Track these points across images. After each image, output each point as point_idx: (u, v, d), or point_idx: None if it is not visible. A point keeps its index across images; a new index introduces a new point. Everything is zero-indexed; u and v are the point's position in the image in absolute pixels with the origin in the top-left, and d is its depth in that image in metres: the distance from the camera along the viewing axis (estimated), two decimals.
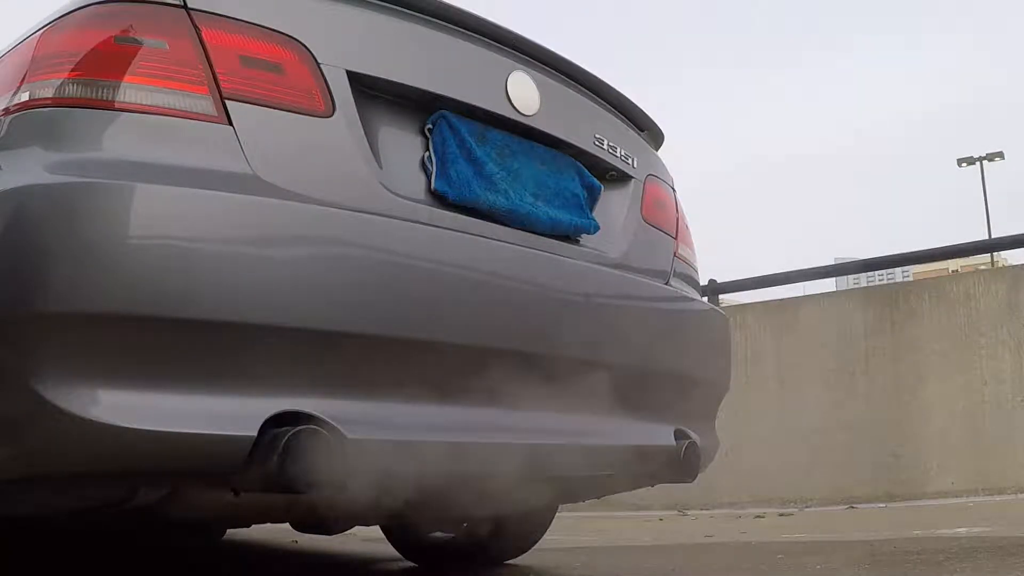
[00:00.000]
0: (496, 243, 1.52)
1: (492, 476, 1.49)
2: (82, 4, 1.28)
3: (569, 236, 1.72)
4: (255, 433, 1.16)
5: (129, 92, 1.22)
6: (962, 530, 2.78)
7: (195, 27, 1.28)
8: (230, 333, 1.17)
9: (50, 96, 1.21)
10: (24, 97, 1.23)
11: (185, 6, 1.29)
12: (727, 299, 6.47)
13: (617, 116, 1.97)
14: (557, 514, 2.49)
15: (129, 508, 1.30)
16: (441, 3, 1.58)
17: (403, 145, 1.53)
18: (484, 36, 1.65)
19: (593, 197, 1.82)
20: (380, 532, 2.68)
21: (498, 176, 1.58)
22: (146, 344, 1.13)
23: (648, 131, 2.10)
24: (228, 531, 2.92)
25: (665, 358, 1.78)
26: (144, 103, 1.22)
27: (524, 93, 1.67)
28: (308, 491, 1.19)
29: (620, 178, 1.92)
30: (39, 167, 1.16)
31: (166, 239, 1.14)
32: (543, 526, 2.49)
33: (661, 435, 1.81)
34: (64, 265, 1.09)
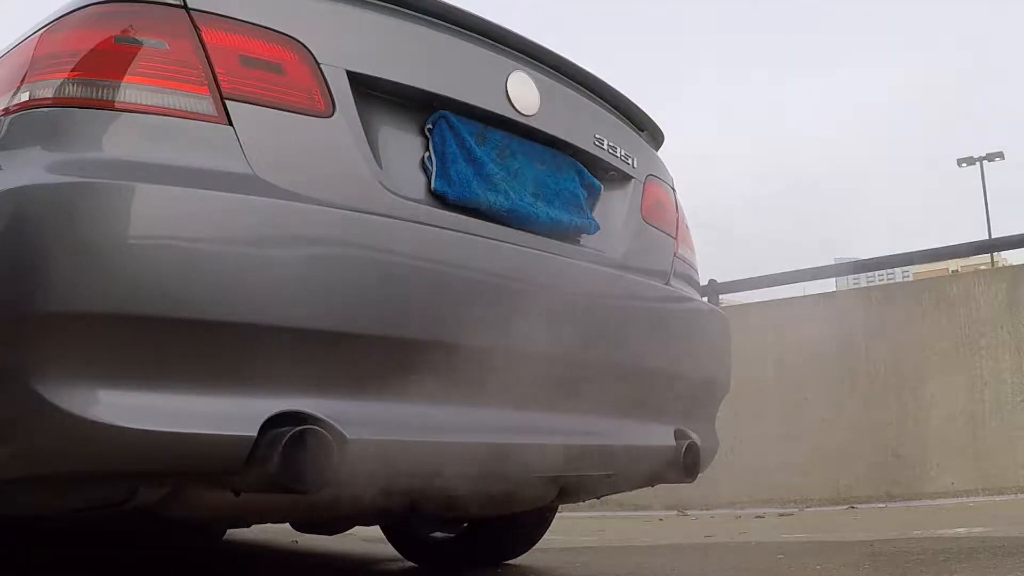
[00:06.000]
0: (496, 243, 1.52)
1: (492, 476, 1.49)
2: (82, 4, 1.28)
3: (569, 236, 1.72)
4: (255, 433, 1.16)
5: (129, 92, 1.22)
6: (962, 530, 2.78)
7: (195, 27, 1.28)
8: (230, 333, 1.17)
9: (50, 96, 1.21)
10: (24, 97, 1.23)
11: (185, 6, 1.29)
12: (727, 299, 6.46)
13: (617, 116, 1.97)
14: (557, 514, 2.49)
15: (129, 508, 1.30)
16: (441, 3, 1.58)
17: (403, 145, 1.53)
18: (484, 36, 1.65)
19: (593, 197, 1.82)
20: (380, 532, 2.68)
21: (498, 176, 1.58)
22: (146, 344, 1.13)
23: (648, 131, 2.10)
24: (228, 531, 2.92)
25: (665, 358, 1.78)
26: (144, 103, 1.22)
27: (524, 93, 1.67)
28: (308, 491, 1.19)
29: (620, 178, 1.92)
30: (39, 167, 1.16)
31: (166, 239, 1.14)
32: (543, 526, 2.49)
33: (661, 435, 1.81)
34: (64, 265, 1.09)
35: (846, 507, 4.23)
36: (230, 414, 1.16)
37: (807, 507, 4.37)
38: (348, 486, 1.26)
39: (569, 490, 1.89)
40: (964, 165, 32.26)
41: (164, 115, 1.23)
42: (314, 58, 1.38)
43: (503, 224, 1.56)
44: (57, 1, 1.35)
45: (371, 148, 1.43)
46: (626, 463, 1.76)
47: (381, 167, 1.44)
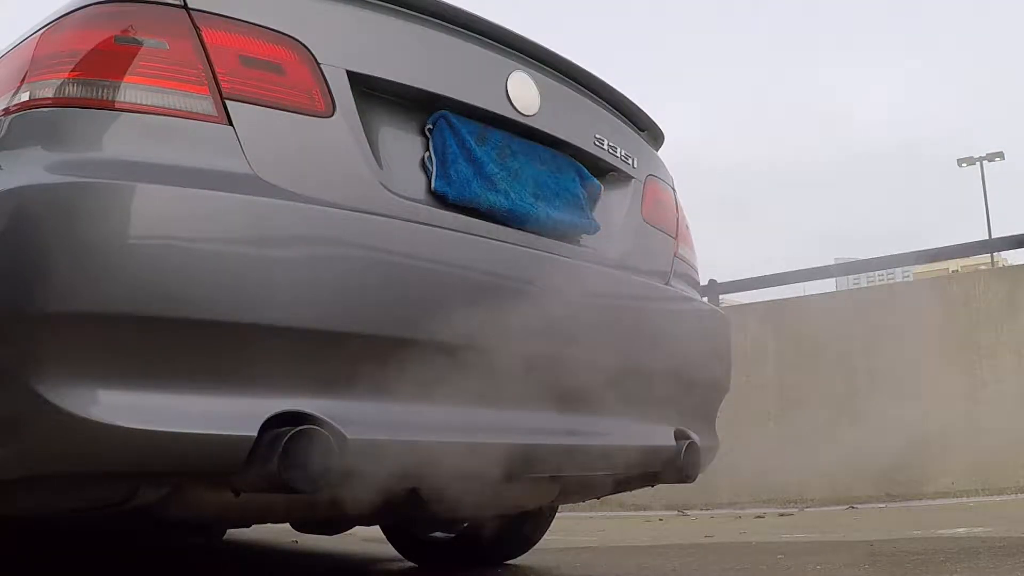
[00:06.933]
0: (496, 243, 1.52)
1: (492, 476, 1.49)
2: (82, 4, 1.28)
3: (569, 236, 1.72)
4: (255, 433, 1.16)
5: (129, 92, 1.22)
6: (962, 530, 2.78)
7: (195, 27, 1.28)
8: (230, 333, 1.17)
9: (50, 96, 1.21)
10: (24, 97, 1.23)
11: (185, 6, 1.29)
12: (727, 299, 6.47)
13: (617, 116, 1.97)
14: (557, 514, 2.49)
15: (129, 508, 1.30)
16: (441, 3, 1.58)
17: (403, 145, 1.53)
18: (484, 36, 1.65)
19: (593, 197, 1.82)
20: (380, 532, 2.68)
21: (498, 176, 1.58)
22: (146, 344, 1.13)
23: (648, 131, 2.10)
24: (228, 531, 2.92)
25: (665, 358, 1.78)
26: (144, 103, 1.22)
27: (524, 93, 1.67)
28: (308, 491, 1.19)
29: (620, 178, 1.92)
30: (39, 167, 1.16)
31: (166, 239, 1.14)
32: (543, 526, 2.49)
33: (661, 435, 1.81)
34: (64, 265, 1.09)
35: (846, 507, 4.23)
36: (230, 414, 1.16)
37: (807, 507, 4.37)
38: (348, 486, 1.26)
39: (569, 490, 1.89)
40: (964, 165, 32.27)
41: (164, 115, 1.23)
42: (314, 58, 1.38)
43: (503, 224, 1.56)
44: (57, 1, 1.35)
45: (371, 148, 1.43)
46: (626, 463, 1.76)
47: (381, 167, 1.44)
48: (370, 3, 1.50)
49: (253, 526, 2.54)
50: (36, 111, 1.21)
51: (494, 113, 1.62)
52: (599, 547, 3.12)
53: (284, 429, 1.17)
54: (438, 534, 2.55)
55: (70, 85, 1.21)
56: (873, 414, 4.44)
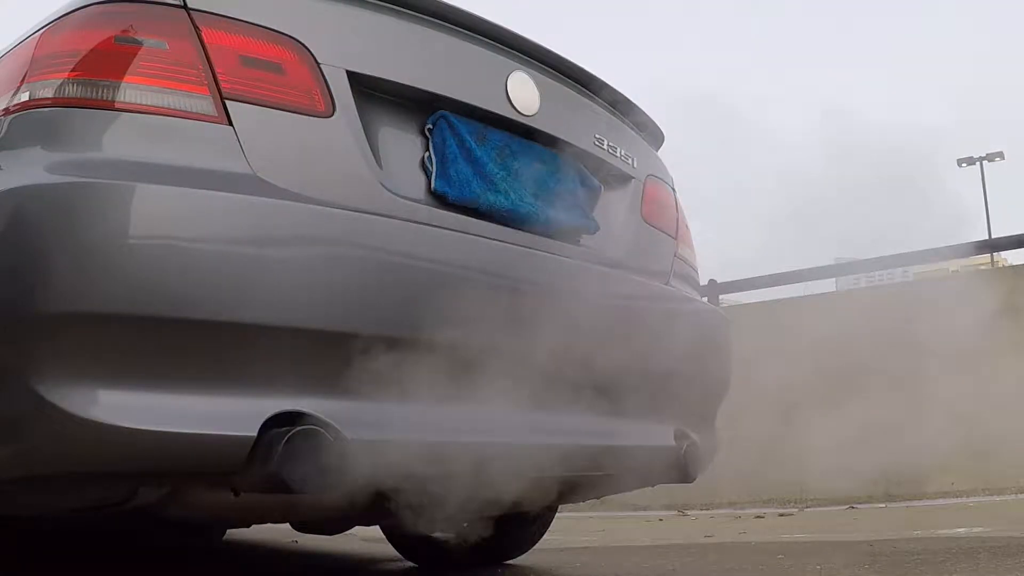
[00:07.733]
0: (496, 243, 1.52)
1: (492, 476, 1.49)
2: (82, 4, 1.28)
3: (569, 236, 1.72)
4: (255, 433, 1.16)
5: (129, 92, 1.22)
6: (962, 530, 2.78)
7: (195, 27, 1.28)
8: (230, 333, 1.17)
9: (50, 96, 1.21)
10: (24, 97, 1.23)
11: (185, 6, 1.29)
12: (727, 299, 6.46)
13: (617, 116, 1.97)
14: (557, 514, 2.49)
15: (129, 508, 1.30)
16: (441, 3, 1.58)
17: (403, 145, 1.53)
18: (484, 36, 1.65)
19: (593, 197, 1.82)
20: (380, 532, 2.67)
21: (498, 176, 1.58)
22: (146, 344, 1.13)
23: (648, 131, 2.10)
24: (228, 531, 2.92)
25: (665, 358, 1.78)
26: (144, 103, 1.22)
27: (524, 93, 1.67)
28: (308, 491, 1.20)
29: (620, 178, 1.92)
30: (39, 167, 1.16)
31: (166, 239, 1.14)
32: (543, 526, 2.49)
33: (661, 435, 1.81)
34: (64, 265, 1.09)
35: (846, 507, 4.23)
36: (230, 414, 1.16)
37: (807, 507, 4.37)
38: (348, 486, 1.26)
39: (569, 490, 1.89)
40: (964, 165, 32.23)
41: (164, 115, 1.23)
42: (314, 58, 1.38)
43: (503, 224, 1.56)
44: (57, 1, 1.35)
45: (371, 148, 1.43)
46: (626, 463, 1.76)
47: (381, 167, 1.44)
48: (370, 3, 1.50)
49: (253, 526, 2.54)
50: (36, 111, 1.22)
51: (494, 113, 1.62)
52: (599, 547, 3.12)
53: (284, 429, 1.17)
54: (438, 534, 2.55)
55: (70, 85, 1.21)
56: (873, 414, 4.44)
